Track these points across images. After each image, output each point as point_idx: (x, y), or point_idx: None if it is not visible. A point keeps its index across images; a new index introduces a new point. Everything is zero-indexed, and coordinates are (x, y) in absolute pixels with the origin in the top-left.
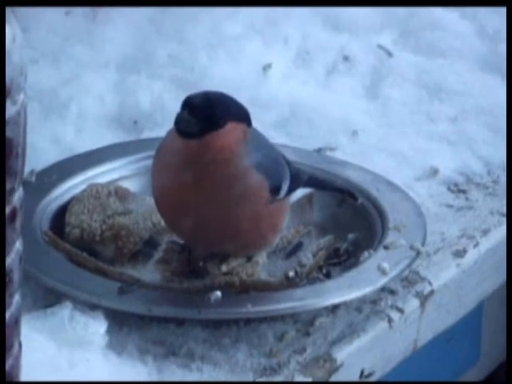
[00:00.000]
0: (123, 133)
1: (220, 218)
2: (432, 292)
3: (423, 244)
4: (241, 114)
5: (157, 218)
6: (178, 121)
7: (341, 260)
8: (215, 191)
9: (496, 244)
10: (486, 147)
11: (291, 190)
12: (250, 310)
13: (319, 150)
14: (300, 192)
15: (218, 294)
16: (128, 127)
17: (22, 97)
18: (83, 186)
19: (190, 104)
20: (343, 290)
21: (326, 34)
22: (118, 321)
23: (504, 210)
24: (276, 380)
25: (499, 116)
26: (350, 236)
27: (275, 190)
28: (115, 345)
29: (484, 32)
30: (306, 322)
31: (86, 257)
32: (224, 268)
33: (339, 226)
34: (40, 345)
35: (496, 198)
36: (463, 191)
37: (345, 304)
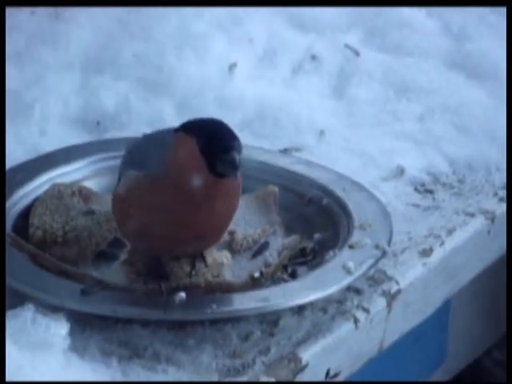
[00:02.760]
0: (88, 133)
1: None
2: (399, 291)
3: (389, 243)
4: None
5: None
6: (236, 166)
7: (307, 260)
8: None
9: (462, 243)
10: (452, 146)
11: None
12: (215, 310)
13: (285, 151)
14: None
15: (183, 294)
16: (92, 128)
17: None
18: (47, 187)
19: (238, 145)
20: (308, 290)
21: (292, 33)
22: (81, 323)
23: (469, 209)
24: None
25: (465, 114)
26: (316, 236)
27: None
28: (78, 347)
29: (450, 30)
30: (270, 322)
31: (48, 258)
32: (189, 269)
33: (305, 226)
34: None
35: (461, 198)
36: (430, 191)
37: (310, 304)
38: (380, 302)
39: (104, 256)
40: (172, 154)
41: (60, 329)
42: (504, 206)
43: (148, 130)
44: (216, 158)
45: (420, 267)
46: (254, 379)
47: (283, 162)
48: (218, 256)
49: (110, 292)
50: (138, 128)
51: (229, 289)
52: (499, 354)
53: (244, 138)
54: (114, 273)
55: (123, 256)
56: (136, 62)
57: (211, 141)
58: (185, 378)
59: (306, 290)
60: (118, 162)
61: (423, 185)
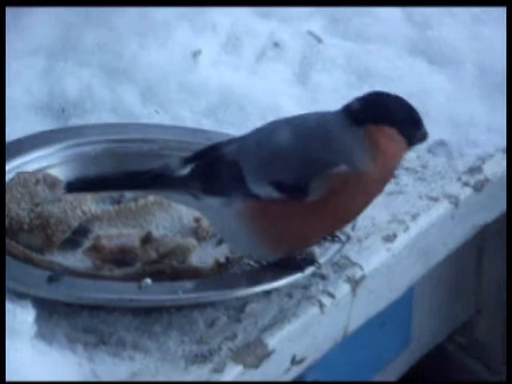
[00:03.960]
0: (52, 121)
1: None
2: (363, 277)
3: (353, 229)
4: None
5: (86, 206)
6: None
7: None
8: None
9: (425, 228)
10: None
11: None
12: (181, 296)
13: None
14: None
15: (149, 281)
16: (57, 115)
17: None
18: (12, 175)
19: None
20: (274, 275)
21: (255, 20)
22: (48, 310)
23: (432, 194)
24: (207, 367)
25: (427, 101)
26: None
27: None
28: (44, 334)
29: (412, 17)
30: (237, 308)
31: (14, 245)
32: (154, 255)
33: None
34: None
35: (425, 183)
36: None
37: (276, 290)
38: (345, 288)
39: (70, 243)
40: (377, 148)
41: (27, 316)
42: (467, 190)
43: (111, 117)
44: (414, 137)
45: (384, 252)
46: (220, 365)
47: None
48: (183, 242)
49: (76, 279)
50: (101, 115)
51: (195, 275)
52: (462, 339)
53: (209, 124)
54: (80, 260)
55: (88, 243)
56: (99, 49)
57: (406, 123)
58: (151, 365)
59: (272, 275)
60: (83, 149)
61: None
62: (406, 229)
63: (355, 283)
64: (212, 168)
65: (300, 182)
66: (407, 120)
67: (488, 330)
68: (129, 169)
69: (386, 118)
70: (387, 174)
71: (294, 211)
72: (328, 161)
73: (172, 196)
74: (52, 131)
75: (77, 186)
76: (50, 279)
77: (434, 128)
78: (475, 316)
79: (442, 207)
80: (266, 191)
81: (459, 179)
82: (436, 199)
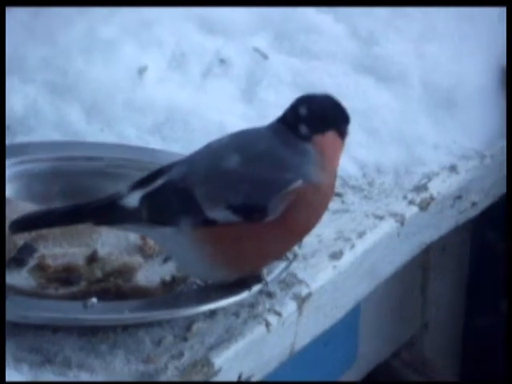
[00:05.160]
0: None
1: None
2: (309, 294)
3: (300, 246)
4: None
5: None
6: None
7: None
8: None
9: (371, 246)
10: (361, 149)
11: None
12: (127, 316)
13: None
14: None
15: (94, 300)
16: None
17: None
18: None
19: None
20: (221, 294)
21: (201, 37)
22: None
23: (378, 212)
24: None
25: (374, 118)
26: None
27: None
28: None
29: (357, 34)
30: (183, 327)
31: None
32: (100, 273)
33: None
34: None
35: (371, 201)
36: (339, 194)
37: (223, 308)
38: (291, 306)
39: (15, 262)
40: (325, 156)
41: None
42: (413, 208)
43: (56, 135)
44: (345, 130)
45: (330, 270)
46: None
47: None
48: (129, 260)
49: (22, 298)
50: (46, 132)
51: (141, 293)
52: (407, 355)
53: (154, 142)
54: (25, 278)
55: (33, 262)
56: (43, 66)
57: (340, 121)
58: None
59: (219, 294)
60: (28, 166)
61: None
62: (352, 246)
63: (301, 301)
64: (163, 197)
65: (258, 203)
66: (341, 118)
67: (433, 347)
68: (75, 187)
69: (325, 124)
70: (335, 176)
71: (255, 232)
72: (283, 179)
73: (123, 227)
74: None
75: (23, 225)
76: None
77: (380, 145)
78: (420, 333)
79: (388, 225)
80: (223, 215)
81: (405, 197)
82: (382, 217)
